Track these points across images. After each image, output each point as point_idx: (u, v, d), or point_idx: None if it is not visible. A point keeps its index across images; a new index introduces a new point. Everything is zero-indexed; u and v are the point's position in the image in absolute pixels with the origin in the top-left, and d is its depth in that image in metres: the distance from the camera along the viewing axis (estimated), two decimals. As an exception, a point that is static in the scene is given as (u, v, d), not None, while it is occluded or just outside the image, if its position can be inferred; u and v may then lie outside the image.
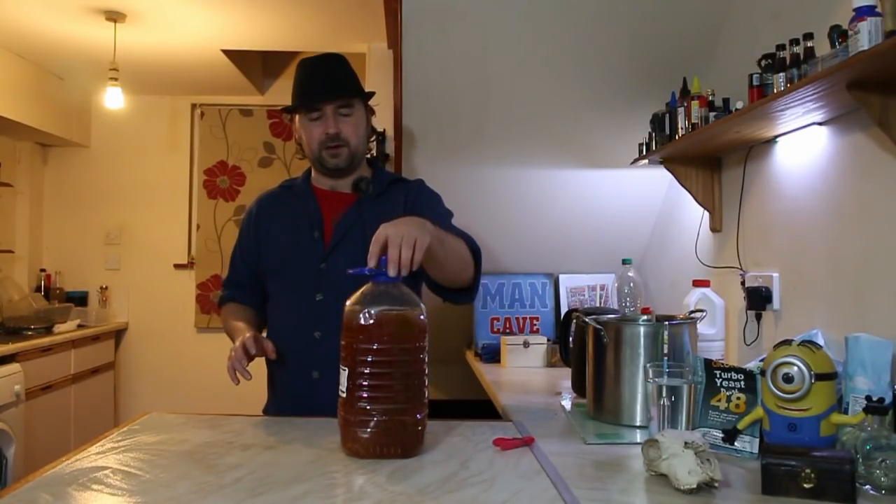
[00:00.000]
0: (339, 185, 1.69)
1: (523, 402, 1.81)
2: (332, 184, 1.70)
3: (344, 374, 1.19)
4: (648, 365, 1.32)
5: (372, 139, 1.75)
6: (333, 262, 1.60)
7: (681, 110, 2.00)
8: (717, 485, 1.03)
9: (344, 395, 1.19)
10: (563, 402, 1.77)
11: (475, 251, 1.55)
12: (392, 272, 1.19)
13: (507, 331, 2.82)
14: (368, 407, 1.17)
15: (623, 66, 2.33)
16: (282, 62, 4.78)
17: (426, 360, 1.23)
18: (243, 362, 1.47)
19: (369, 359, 1.17)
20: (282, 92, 4.83)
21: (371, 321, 1.17)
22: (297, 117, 1.68)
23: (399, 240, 1.20)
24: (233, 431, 1.35)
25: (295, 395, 1.62)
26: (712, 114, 1.89)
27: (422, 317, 1.21)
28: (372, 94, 1.70)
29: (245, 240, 1.76)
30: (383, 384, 1.17)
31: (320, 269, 1.61)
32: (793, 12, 1.80)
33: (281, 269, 1.67)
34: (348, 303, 1.22)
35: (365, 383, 1.17)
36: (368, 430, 1.17)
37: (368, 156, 1.77)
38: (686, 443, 1.04)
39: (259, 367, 1.59)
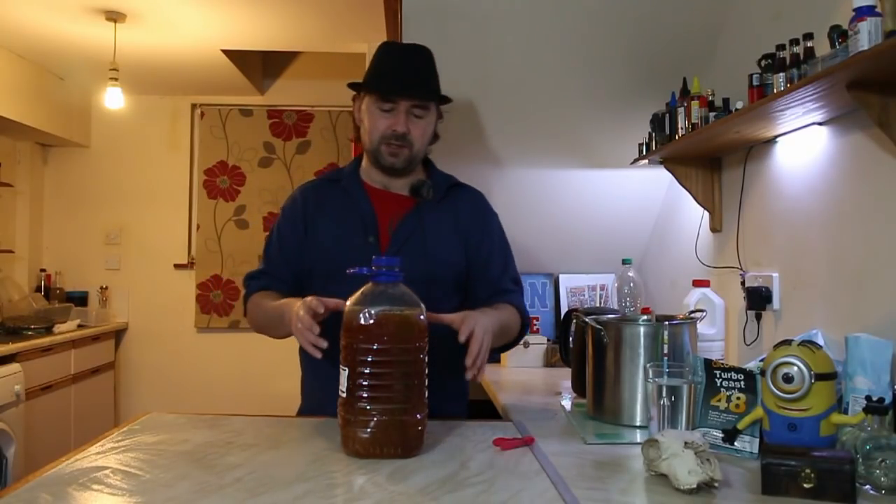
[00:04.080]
0: (393, 184, 1.59)
1: (523, 402, 1.81)
2: (386, 182, 1.59)
3: (344, 374, 1.19)
4: (648, 365, 1.32)
5: (433, 143, 1.63)
6: None
7: (681, 110, 2.00)
8: (717, 485, 1.03)
9: (344, 395, 1.19)
10: (563, 402, 1.77)
11: (524, 324, 1.61)
12: (471, 374, 1.31)
13: (507, 331, 2.82)
14: (368, 407, 1.17)
15: (623, 66, 2.33)
16: (282, 62, 4.79)
17: (426, 360, 1.23)
18: (314, 329, 1.28)
19: (369, 359, 1.17)
20: (282, 92, 4.83)
21: (371, 321, 1.17)
22: (364, 98, 1.55)
23: (481, 338, 1.32)
24: (233, 431, 1.35)
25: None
26: (712, 114, 1.89)
27: (422, 317, 1.21)
28: (449, 100, 1.59)
29: (287, 231, 1.61)
30: (383, 384, 1.18)
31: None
32: (793, 12, 1.79)
33: (329, 272, 1.53)
34: (348, 303, 1.22)
35: (365, 383, 1.17)
36: (368, 430, 1.17)
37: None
38: (686, 443, 1.04)
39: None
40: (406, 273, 1.42)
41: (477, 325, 1.33)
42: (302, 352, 1.54)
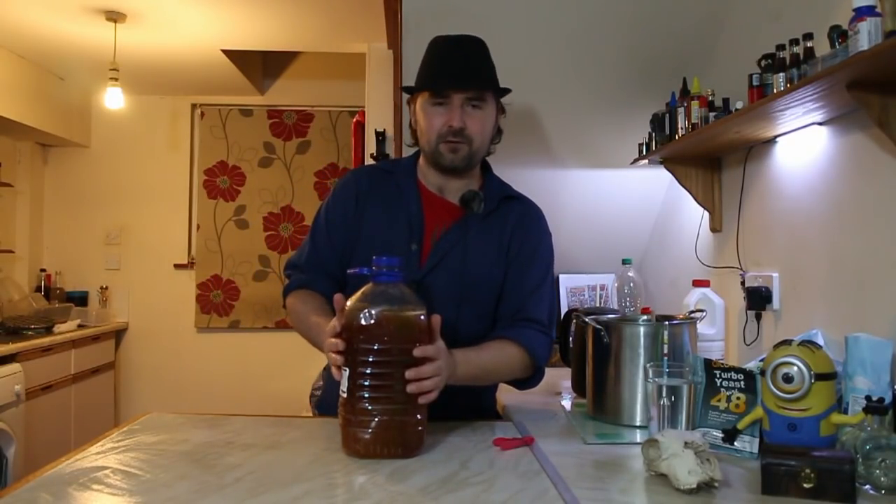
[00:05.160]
0: (448, 187, 1.51)
1: (523, 402, 1.81)
2: (441, 184, 1.51)
3: (344, 375, 1.19)
4: (648, 365, 1.32)
5: (496, 141, 1.55)
6: (425, 286, 1.43)
7: (681, 110, 2.00)
8: (717, 485, 1.03)
9: (345, 395, 1.19)
10: (563, 402, 1.77)
11: (537, 367, 1.48)
12: (412, 388, 1.17)
13: (507, 331, 2.82)
14: (369, 407, 1.17)
15: (623, 65, 2.33)
16: (282, 62, 4.79)
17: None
18: (339, 360, 1.23)
19: (370, 359, 1.17)
20: (282, 92, 4.83)
21: (371, 321, 1.17)
22: (418, 99, 1.48)
23: (431, 374, 1.18)
24: (233, 431, 1.35)
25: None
26: (712, 114, 1.89)
27: (422, 317, 1.21)
28: (507, 90, 1.50)
29: (338, 216, 1.52)
30: (384, 384, 1.18)
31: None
32: (793, 12, 1.79)
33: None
34: (348, 303, 1.21)
35: (366, 383, 1.17)
36: (369, 430, 1.17)
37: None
38: (686, 443, 1.04)
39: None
40: (440, 287, 1.42)
41: (438, 364, 1.20)
42: None
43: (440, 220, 1.49)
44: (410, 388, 1.17)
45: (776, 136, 1.85)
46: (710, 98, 1.93)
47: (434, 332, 1.23)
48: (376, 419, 1.17)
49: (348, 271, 1.25)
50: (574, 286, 2.90)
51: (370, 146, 3.42)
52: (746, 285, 1.96)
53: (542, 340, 1.49)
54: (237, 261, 4.76)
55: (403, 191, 1.51)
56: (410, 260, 1.44)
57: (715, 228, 2.24)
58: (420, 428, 1.21)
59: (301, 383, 2.42)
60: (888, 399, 1.14)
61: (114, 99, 3.66)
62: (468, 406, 1.53)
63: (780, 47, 1.57)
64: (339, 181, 1.59)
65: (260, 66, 4.72)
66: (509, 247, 1.51)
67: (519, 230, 1.52)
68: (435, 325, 1.23)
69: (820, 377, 1.14)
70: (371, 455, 1.17)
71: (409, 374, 1.17)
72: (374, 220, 1.50)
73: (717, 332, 2.07)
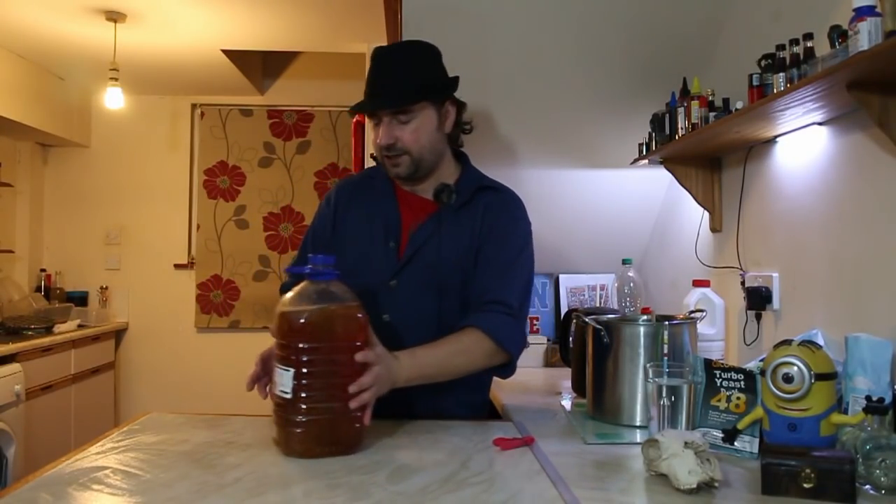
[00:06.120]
0: (419, 188, 1.55)
1: (523, 402, 1.81)
2: (413, 186, 1.56)
3: (282, 374, 1.18)
4: (648, 365, 1.32)
5: (457, 135, 1.58)
6: (404, 279, 1.49)
7: (681, 110, 2.00)
8: (717, 485, 1.03)
9: (286, 395, 1.18)
10: (563, 402, 1.77)
11: (509, 351, 1.44)
12: (353, 403, 1.19)
13: (507, 331, 2.82)
14: (305, 406, 1.17)
15: (623, 66, 2.33)
16: (282, 62, 4.79)
17: (343, 358, 1.22)
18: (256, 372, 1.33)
19: (304, 358, 1.17)
20: (282, 92, 4.83)
21: (303, 320, 1.18)
22: None
23: (368, 385, 1.20)
24: (233, 431, 1.35)
25: None
26: (712, 114, 1.89)
27: (359, 315, 1.22)
28: (445, 88, 1.51)
29: (320, 228, 1.62)
30: (321, 382, 1.18)
31: (389, 286, 1.49)
32: (793, 12, 1.79)
33: (349, 276, 1.49)
34: (284, 301, 1.22)
35: (303, 382, 1.17)
36: (305, 429, 1.17)
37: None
38: (686, 443, 1.04)
39: None
40: (419, 280, 1.45)
41: (375, 371, 1.22)
42: None
43: (416, 218, 1.53)
44: (352, 403, 1.18)
45: (776, 136, 1.85)
46: (710, 98, 1.93)
47: (368, 334, 1.25)
48: (312, 417, 1.17)
49: (285, 269, 1.26)
50: (574, 286, 2.90)
51: (370, 146, 3.41)
52: (746, 285, 1.96)
53: (506, 323, 1.45)
54: (237, 261, 4.76)
55: (381, 193, 1.57)
56: (389, 257, 1.49)
57: (715, 228, 2.24)
58: (357, 425, 1.21)
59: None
60: (888, 399, 1.14)
61: (114, 99, 3.66)
62: (459, 402, 1.54)
63: (780, 47, 1.57)
64: (324, 198, 1.67)
65: (260, 66, 4.72)
66: (480, 235, 1.52)
67: (489, 215, 1.52)
68: (363, 325, 1.24)
69: (820, 377, 1.14)
70: (310, 454, 1.18)
71: (352, 388, 1.18)
72: (356, 225, 1.57)
73: (717, 332, 2.07)
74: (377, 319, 1.45)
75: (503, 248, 1.51)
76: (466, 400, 1.57)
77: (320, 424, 1.18)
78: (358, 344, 1.22)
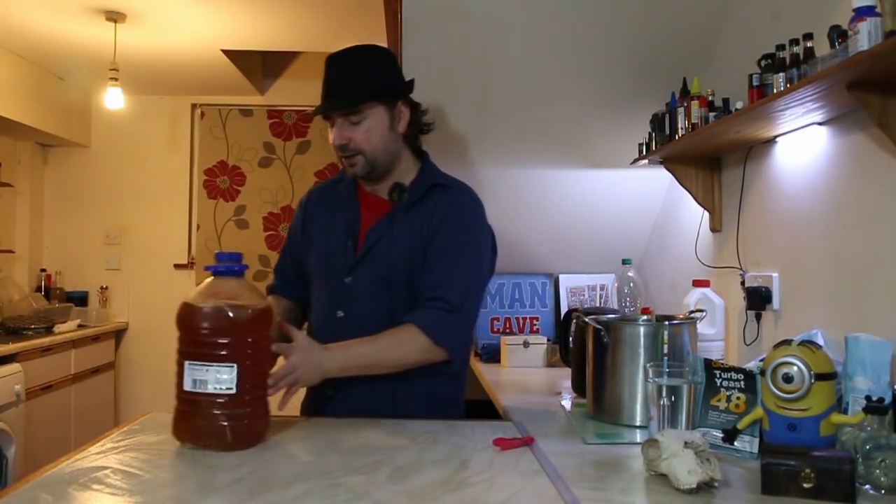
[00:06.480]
0: (379, 188, 1.61)
1: (523, 402, 1.81)
2: (373, 187, 1.62)
3: (185, 367, 1.21)
4: (648, 365, 1.32)
5: (413, 134, 1.60)
6: (358, 276, 1.55)
7: (681, 110, 2.00)
8: (716, 485, 1.03)
9: (179, 387, 1.22)
10: (563, 402, 1.77)
11: (438, 341, 1.45)
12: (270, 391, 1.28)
13: (507, 331, 2.83)
14: (184, 396, 1.20)
15: (623, 66, 2.33)
16: (282, 62, 4.78)
17: (267, 351, 1.28)
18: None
19: (187, 349, 1.21)
20: (282, 92, 4.83)
21: (202, 315, 1.20)
22: None
23: (287, 377, 1.32)
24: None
25: (314, 409, 1.59)
26: (712, 114, 1.89)
27: (260, 310, 1.25)
28: (396, 89, 1.55)
29: (294, 233, 1.71)
30: (198, 377, 1.20)
31: (344, 283, 1.55)
32: (793, 12, 1.80)
33: (315, 276, 1.62)
34: (188, 297, 1.25)
35: (197, 377, 1.20)
36: (200, 422, 1.20)
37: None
38: (686, 443, 1.04)
39: None
40: (371, 277, 1.53)
41: (294, 366, 1.32)
42: None
43: (374, 216, 1.59)
44: (270, 390, 1.28)
45: (776, 136, 1.85)
46: (710, 98, 1.93)
47: (283, 327, 1.37)
48: (207, 411, 1.20)
49: (204, 268, 1.31)
50: (574, 286, 2.91)
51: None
52: (746, 285, 1.96)
53: (443, 319, 1.46)
54: (237, 261, 4.75)
55: (346, 195, 1.65)
56: (347, 256, 1.56)
57: (715, 228, 2.24)
58: (246, 421, 1.23)
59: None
60: (888, 399, 1.14)
61: (114, 99, 3.66)
62: (425, 395, 1.53)
63: (780, 47, 1.57)
64: (298, 203, 1.76)
65: (260, 66, 4.72)
66: (428, 231, 1.55)
67: (438, 211, 1.55)
68: (282, 326, 1.36)
69: (820, 377, 1.14)
70: (203, 446, 1.20)
71: (270, 381, 1.28)
72: (322, 227, 1.65)
73: (717, 332, 2.07)
74: (332, 315, 1.55)
75: (449, 244, 1.53)
76: (429, 392, 1.55)
77: (210, 417, 1.20)
78: (251, 339, 1.23)
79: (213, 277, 1.27)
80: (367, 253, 1.54)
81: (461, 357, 1.54)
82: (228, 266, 1.28)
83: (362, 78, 1.51)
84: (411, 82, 1.60)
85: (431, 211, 1.55)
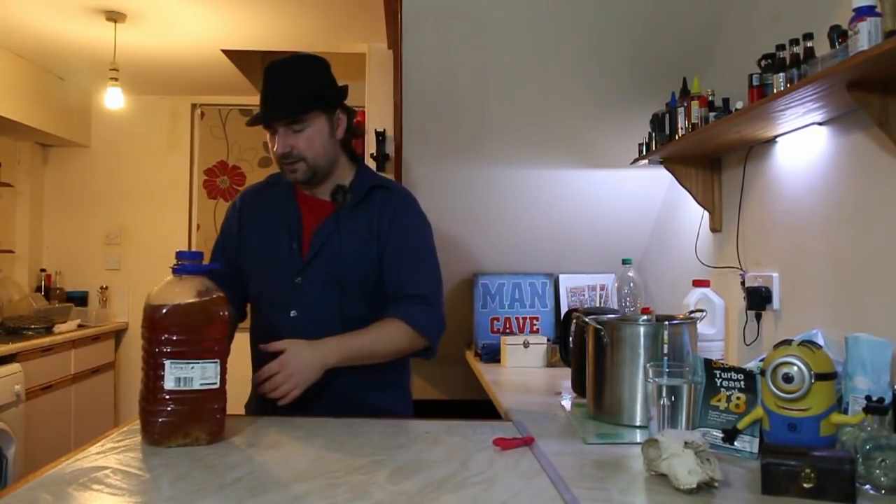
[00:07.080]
0: (318, 191, 1.65)
1: (523, 402, 1.81)
2: (312, 190, 1.65)
3: (166, 367, 1.22)
4: (648, 365, 1.32)
5: (349, 139, 1.66)
6: (308, 276, 1.59)
7: (681, 110, 2.00)
8: (717, 485, 1.03)
9: (157, 388, 1.22)
10: (563, 402, 1.77)
11: (429, 338, 1.60)
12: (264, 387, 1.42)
13: (507, 331, 2.82)
14: (167, 396, 1.21)
15: (623, 66, 2.33)
16: (282, 62, 4.78)
17: (227, 348, 1.30)
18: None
19: (168, 349, 1.22)
20: (282, 92, 4.82)
21: (164, 313, 1.22)
22: None
23: (285, 378, 1.45)
24: (233, 431, 1.35)
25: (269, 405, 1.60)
26: (712, 114, 1.89)
27: (222, 310, 1.27)
28: (335, 97, 1.61)
29: (227, 235, 1.72)
30: (182, 375, 1.21)
31: (295, 284, 1.59)
32: (793, 12, 1.80)
33: (258, 278, 1.65)
34: (149, 295, 1.27)
35: (161, 373, 1.21)
36: (166, 418, 1.21)
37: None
38: (686, 443, 1.04)
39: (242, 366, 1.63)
40: (322, 275, 1.58)
41: (289, 365, 1.45)
42: (253, 351, 1.68)
43: (316, 219, 1.63)
44: (263, 387, 1.42)
45: (776, 136, 1.85)
46: (710, 98, 1.93)
47: (264, 347, 1.47)
48: (172, 407, 1.21)
49: (170, 267, 1.34)
50: (574, 286, 2.91)
51: (370, 146, 3.42)
52: (746, 285, 1.96)
53: (423, 312, 1.59)
54: (237, 261, 4.75)
55: (283, 198, 1.67)
56: (293, 257, 1.60)
57: (715, 228, 2.24)
58: (219, 416, 1.26)
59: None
60: (888, 399, 1.14)
61: (114, 99, 3.66)
62: (381, 384, 1.63)
63: (780, 47, 1.57)
64: (229, 205, 1.78)
65: (260, 66, 4.71)
66: (379, 231, 1.62)
67: (387, 215, 1.63)
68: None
69: (820, 377, 1.14)
70: (172, 442, 1.21)
71: (277, 393, 1.43)
72: (260, 230, 1.67)
73: (717, 332, 2.07)
74: (286, 315, 1.60)
75: (407, 244, 1.63)
76: (389, 381, 1.67)
77: (176, 414, 1.22)
78: (216, 335, 1.26)
79: (172, 277, 1.29)
80: (316, 253, 1.59)
81: (438, 342, 1.66)
82: (197, 265, 1.31)
83: (303, 87, 1.56)
84: (345, 88, 1.64)
85: (379, 211, 1.62)
